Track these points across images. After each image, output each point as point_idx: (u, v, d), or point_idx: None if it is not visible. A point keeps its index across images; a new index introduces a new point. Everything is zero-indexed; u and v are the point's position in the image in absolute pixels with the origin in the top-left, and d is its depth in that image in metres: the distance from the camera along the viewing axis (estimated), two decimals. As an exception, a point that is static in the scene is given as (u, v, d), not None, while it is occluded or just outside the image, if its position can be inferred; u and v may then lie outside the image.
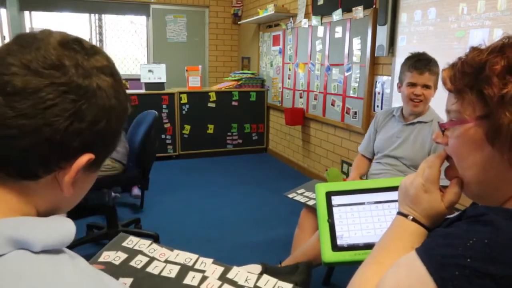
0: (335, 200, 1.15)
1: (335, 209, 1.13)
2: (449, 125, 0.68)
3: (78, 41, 0.52)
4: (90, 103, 0.49)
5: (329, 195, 1.16)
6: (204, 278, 1.01)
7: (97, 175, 0.60)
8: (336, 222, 1.11)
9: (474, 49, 0.65)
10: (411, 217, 0.71)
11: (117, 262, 1.04)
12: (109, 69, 0.53)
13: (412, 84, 1.93)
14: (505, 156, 0.59)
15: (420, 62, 1.90)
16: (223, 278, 1.01)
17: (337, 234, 1.09)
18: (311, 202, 1.99)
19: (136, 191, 3.54)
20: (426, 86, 1.91)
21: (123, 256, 1.06)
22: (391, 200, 1.12)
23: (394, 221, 0.74)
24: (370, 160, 2.28)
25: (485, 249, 0.53)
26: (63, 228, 0.50)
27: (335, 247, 1.08)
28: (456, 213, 0.68)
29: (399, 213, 0.74)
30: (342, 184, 1.22)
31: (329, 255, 1.07)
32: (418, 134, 1.99)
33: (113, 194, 3.08)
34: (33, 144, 0.46)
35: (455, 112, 0.66)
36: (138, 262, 1.04)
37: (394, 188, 1.11)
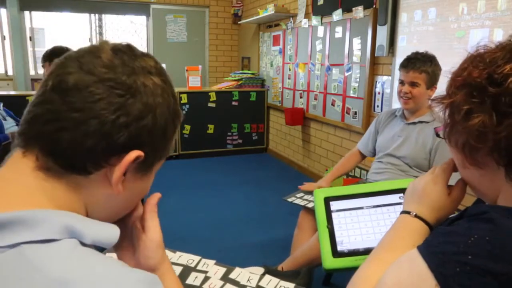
0: (334, 205, 1.15)
1: (334, 215, 1.13)
2: (438, 130, 0.74)
3: (128, 45, 0.57)
4: (136, 98, 0.52)
5: (327, 200, 1.16)
6: (206, 278, 1.02)
7: (150, 183, 0.62)
8: (336, 227, 1.11)
9: (468, 55, 0.68)
10: (414, 213, 0.72)
11: None
12: (156, 70, 0.57)
13: (401, 82, 2.01)
14: (460, 156, 0.65)
15: (408, 61, 1.97)
16: (225, 278, 1.03)
17: (337, 240, 1.09)
18: (310, 205, 1.99)
19: None
20: (413, 84, 1.95)
21: None
22: (389, 204, 1.12)
23: (397, 220, 0.76)
24: (364, 157, 2.32)
25: (486, 246, 0.54)
26: (110, 229, 0.54)
27: (336, 253, 1.08)
28: (458, 212, 0.69)
29: (402, 212, 0.75)
30: (340, 189, 1.22)
31: (330, 262, 1.07)
32: (419, 133, 2.00)
33: None
34: (81, 136, 0.50)
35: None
36: None
37: (392, 192, 1.11)
